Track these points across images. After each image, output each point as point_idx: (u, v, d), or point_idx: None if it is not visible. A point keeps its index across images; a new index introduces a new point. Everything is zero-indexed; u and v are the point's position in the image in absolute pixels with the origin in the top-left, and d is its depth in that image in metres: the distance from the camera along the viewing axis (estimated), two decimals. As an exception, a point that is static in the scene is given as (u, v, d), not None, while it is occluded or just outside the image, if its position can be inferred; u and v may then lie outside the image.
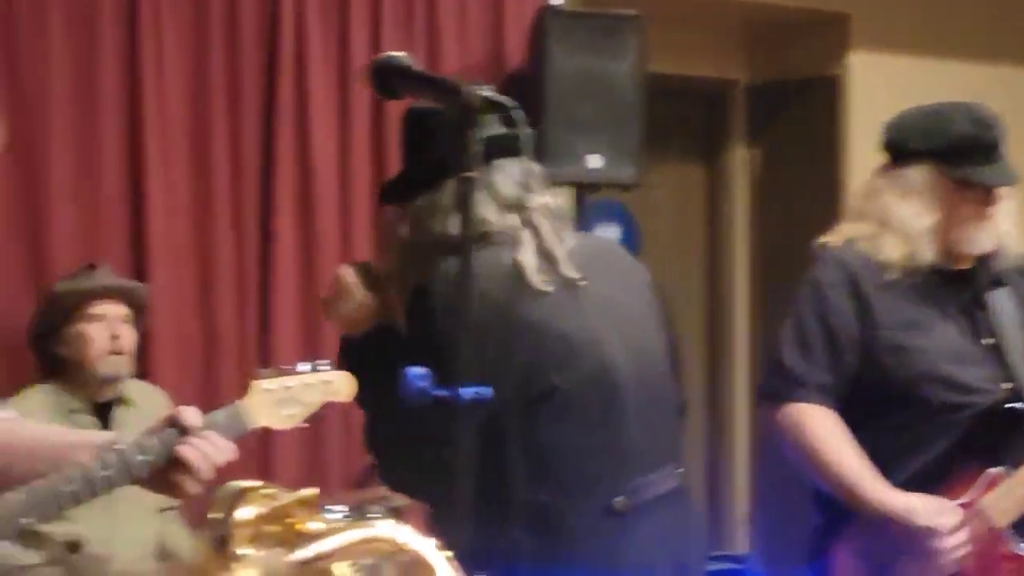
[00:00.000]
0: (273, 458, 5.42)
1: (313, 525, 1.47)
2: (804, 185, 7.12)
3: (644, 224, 6.99)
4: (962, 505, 3.73)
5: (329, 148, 5.61)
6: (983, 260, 3.90)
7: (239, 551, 1.35)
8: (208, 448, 2.67)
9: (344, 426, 5.36)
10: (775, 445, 3.90)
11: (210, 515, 1.42)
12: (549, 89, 5.65)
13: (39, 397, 4.79)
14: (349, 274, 3.42)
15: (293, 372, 2.85)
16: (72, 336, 4.83)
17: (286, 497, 1.47)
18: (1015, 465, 3.77)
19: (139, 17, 5.29)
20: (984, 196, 3.84)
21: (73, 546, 3.98)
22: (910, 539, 3.67)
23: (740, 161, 7.46)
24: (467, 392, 2.34)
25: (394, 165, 4.73)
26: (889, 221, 3.85)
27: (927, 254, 3.83)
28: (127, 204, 5.32)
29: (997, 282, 3.92)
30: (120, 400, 4.90)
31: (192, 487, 2.68)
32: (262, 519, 1.42)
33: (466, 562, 1.61)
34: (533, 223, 2.87)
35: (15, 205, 5.15)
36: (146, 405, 4.84)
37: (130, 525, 4.78)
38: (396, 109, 5.42)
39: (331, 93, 5.63)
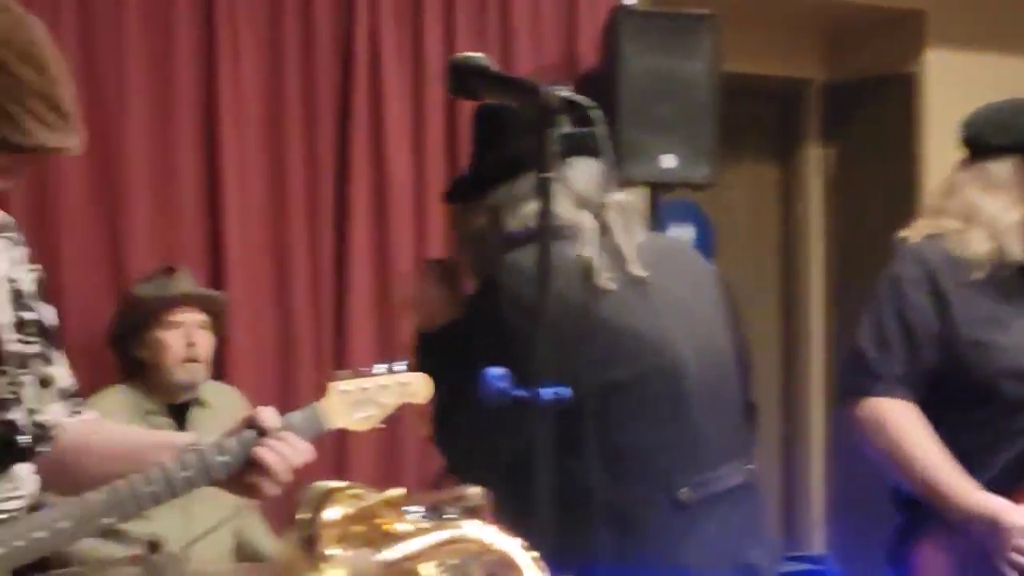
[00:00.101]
0: (349, 459, 5.44)
1: (400, 525, 1.47)
2: (879, 184, 7.08)
3: (718, 224, 6.96)
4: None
5: (403, 149, 5.62)
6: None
7: (327, 551, 1.35)
8: (285, 450, 2.68)
9: (418, 423, 5.36)
10: (852, 443, 3.87)
11: (298, 515, 1.42)
12: (623, 89, 5.64)
13: (116, 398, 4.83)
14: (426, 270, 3.44)
15: (369, 374, 2.86)
16: (150, 341, 4.87)
17: (373, 497, 1.47)
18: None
19: (215, 17, 5.32)
20: None
21: (154, 546, 4.00)
22: (995, 539, 3.63)
23: (815, 160, 7.42)
24: (547, 392, 2.33)
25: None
26: (975, 216, 3.81)
27: (1015, 249, 3.78)
28: (204, 206, 5.36)
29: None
30: (196, 402, 4.94)
31: (270, 489, 2.70)
32: (349, 519, 1.43)
33: (546, 561, 1.61)
34: (605, 220, 2.87)
35: (93, 206, 5.19)
36: (222, 407, 4.86)
37: (208, 524, 4.81)
38: (470, 109, 5.45)
39: (405, 94, 5.64)
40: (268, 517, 5.10)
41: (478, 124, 3.36)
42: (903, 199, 6.72)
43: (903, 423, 3.75)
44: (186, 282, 4.98)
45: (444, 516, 4.35)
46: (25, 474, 2.62)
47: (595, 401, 2.84)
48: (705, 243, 6.65)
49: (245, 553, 4.98)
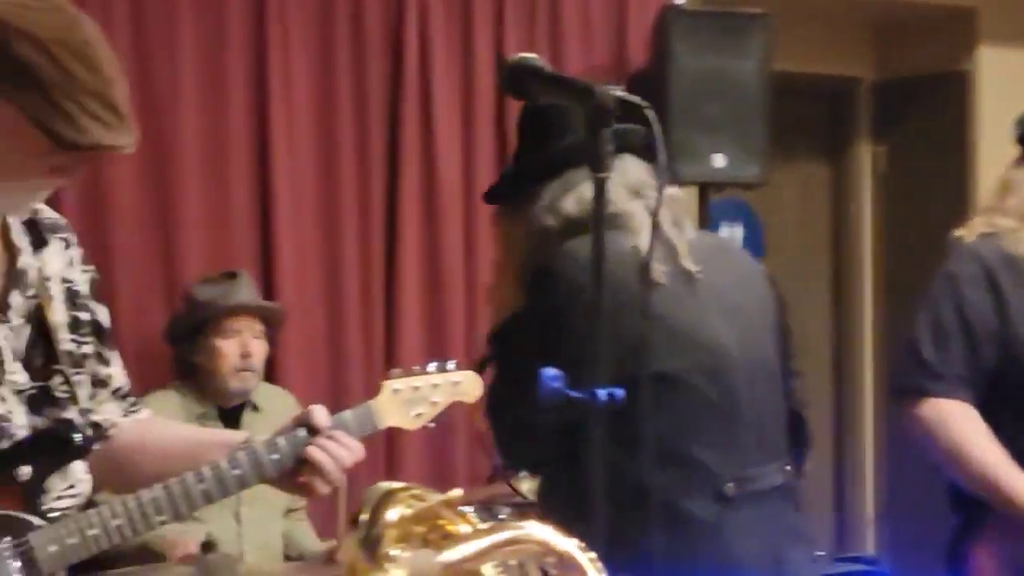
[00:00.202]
0: (400, 458, 5.45)
1: (461, 526, 1.47)
2: (931, 182, 7.05)
3: (769, 223, 6.94)
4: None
5: (453, 150, 5.63)
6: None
7: (389, 551, 1.35)
8: (337, 449, 2.69)
9: (470, 423, 5.38)
10: (905, 442, 3.85)
11: (361, 516, 1.42)
12: (673, 89, 5.63)
13: (168, 401, 4.85)
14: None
15: (422, 372, 2.87)
16: (206, 347, 4.89)
17: (433, 498, 1.46)
18: None
19: (266, 18, 5.34)
20: None
21: (207, 546, 4.02)
22: None
23: (865, 159, 7.40)
24: (602, 393, 2.33)
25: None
26: None
27: None
28: (255, 206, 5.38)
29: None
30: (249, 405, 4.95)
31: (321, 487, 2.71)
32: (410, 520, 1.42)
33: (600, 559, 1.61)
34: (656, 212, 2.87)
35: (145, 206, 5.22)
36: (274, 409, 4.87)
37: (257, 528, 4.83)
38: (518, 109, 5.45)
39: (454, 95, 5.65)
40: (314, 521, 5.12)
41: (525, 122, 3.36)
42: (955, 198, 6.69)
43: (965, 424, 3.73)
44: (247, 290, 4.99)
45: (498, 516, 4.35)
46: (80, 473, 2.64)
47: (648, 394, 2.83)
48: (755, 242, 6.63)
49: (293, 557, 5.00)
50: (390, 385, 2.83)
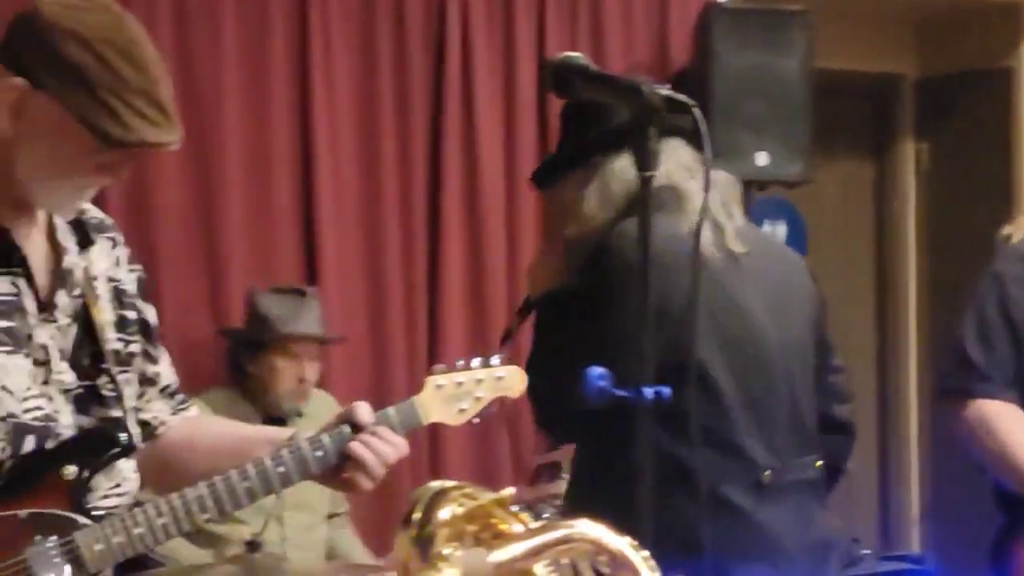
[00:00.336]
0: (443, 455, 5.45)
1: (513, 525, 1.47)
2: (974, 180, 7.01)
3: (811, 221, 6.91)
4: None
5: (495, 149, 5.63)
6: None
7: (442, 550, 1.35)
8: (380, 445, 2.69)
9: (513, 422, 5.38)
10: (951, 441, 3.83)
11: (413, 515, 1.42)
12: (715, 86, 5.62)
13: (217, 403, 4.86)
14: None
15: (465, 368, 2.86)
16: (265, 362, 4.90)
17: (485, 497, 1.46)
18: None
19: (309, 19, 5.36)
20: None
21: (253, 545, 4.03)
22: None
23: (909, 157, 7.35)
24: (648, 391, 2.32)
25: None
26: None
27: None
28: (298, 206, 5.39)
29: None
30: (295, 412, 4.96)
31: (365, 484, 2.71)
32: (462, 518, 1.42)
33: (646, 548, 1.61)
34: (706, 192, 2.87)
35: (189, 205, 5.24)
36: (319, 414, 4.86)
37: (300, 531, 4.84)
38: (560, 105, 5.45)
39: (496, 95, 5.65)
40: (357, 523, 5.14)
41: (569, 110, 3.37)
42: (999, 196, 6.65)
43: (1011, 425, 3.72)
44: (313, 316, 4.97)
45: (542, 516, 4.35)
46: (127, 471, 2.65)
47: (695, 375, 2.82)
48: (797, 241, 6.61)
49: (336, 558, 5.01)
50: (433, 381, 2.82)
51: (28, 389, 2.49)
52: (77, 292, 2.60)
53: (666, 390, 2.33)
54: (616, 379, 2.47)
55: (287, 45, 5.36)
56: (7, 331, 2.48)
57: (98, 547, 2.50)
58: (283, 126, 5.36)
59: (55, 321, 2.56)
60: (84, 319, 2.60)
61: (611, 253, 3.04)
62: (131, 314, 2.71)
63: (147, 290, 2.79)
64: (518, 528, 1.46)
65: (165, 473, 2.80)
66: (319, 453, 2.68)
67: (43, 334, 2.53)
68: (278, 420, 4.91)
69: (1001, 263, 3.83)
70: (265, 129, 5.33)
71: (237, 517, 4.47)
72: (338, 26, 5.42)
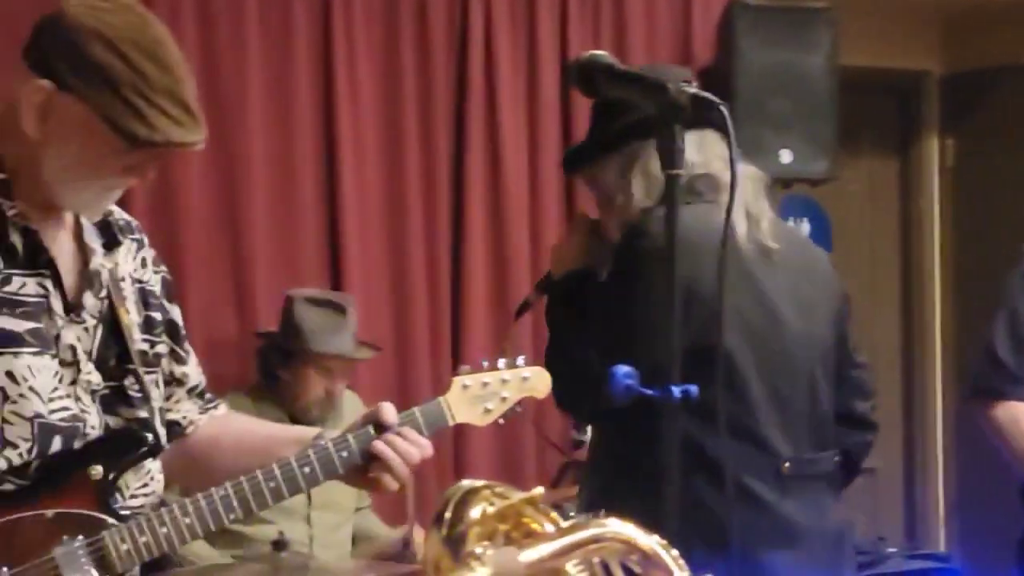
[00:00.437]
0: (467, 456, 5.45)
1: (544, 524, 1.47)
2: (1000, 176, 6.99)
3: (836, 219, 6.91)
4: None
5: (518, 149, 5.63)
6: None
7: (474, 549, 1.34)
8: (404, 445, 2.70)
9: (538, 421, 5.37)
10: (977, 440, 3.83)
11: (444, 514, 1.42)
12: (739, 84, 5.61)
13: (243, 405, 4.86)
14: (578, 219, 3.55)
15: (491, 368, 2.87)
16: (296, 371, 4.88)
17: (515, 496, 1.46)
18: None
19: (332, 20, 5.36)
20: None
21: (279, 544, 4.04)
22: None
23: (934, 153, 7.33)
24: (676, 390, 2.32)
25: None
26: None
27: None
28: (322, 206, 5.40)
29: None
30: (321, 422, 4.96)
31: (390, 483, 2.71)
32: (493, 517, 1.42)
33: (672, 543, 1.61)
34: (732, 189, 2.87)
35: (214, 205, 5.25)
36: (346, 415, 4.87)
37: (327, 531, 4.85)
38: (583, 109, 5.44)
39: (519, 94, 5.65)
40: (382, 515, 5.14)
41: (599, 102, 3.39)
42: (1024, 192, 6.63)
43: None
44: (348, 334, 4.93)
45: (568, 515, 4.35)
46: (153, 471, 2.66)
47: (719, 365, 2.82)
48: (822, 238, 6.59)
49: (362, 545, 5.02)
50: (459, 381, 2.83)
51: (55, 390, 2.50)
52: (103, 293, 2.60)
53: (694, 388, 2.32)
54: (641, 364, 2.48)
55: (310, 45, 5.37)
56: (34, 332, 2.49)
57: (125, 547, 2.51)
58: (307, 127, 5.37)
59: (82, 322, 2.56)
60: (110, 320, 2.60)
61: (646, 236, 3.05)
62: (157, 315, 2.71)
63: (173, 291, 2.79)
64: (549, 527, 1.46)
65: (191, 470, 2.81)
66: (344, 453, 2.69)
67: (70, 335, 2.54)
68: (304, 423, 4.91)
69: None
70: (289, 130, 5.34)
71: (263, 517, 4.48)
72: (361, 27, 5.43)
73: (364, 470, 2.72)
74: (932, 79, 7.26)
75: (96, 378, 2.57)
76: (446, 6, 5.55)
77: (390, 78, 5.49)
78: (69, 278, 2.57)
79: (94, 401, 2.56)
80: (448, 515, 1.41)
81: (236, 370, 5.08)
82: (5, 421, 2.45)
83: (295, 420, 4.88)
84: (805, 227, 6.69)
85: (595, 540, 1.40)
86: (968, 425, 3.89)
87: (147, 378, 2.64)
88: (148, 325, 2.69)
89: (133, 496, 2.60)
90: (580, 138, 5.46)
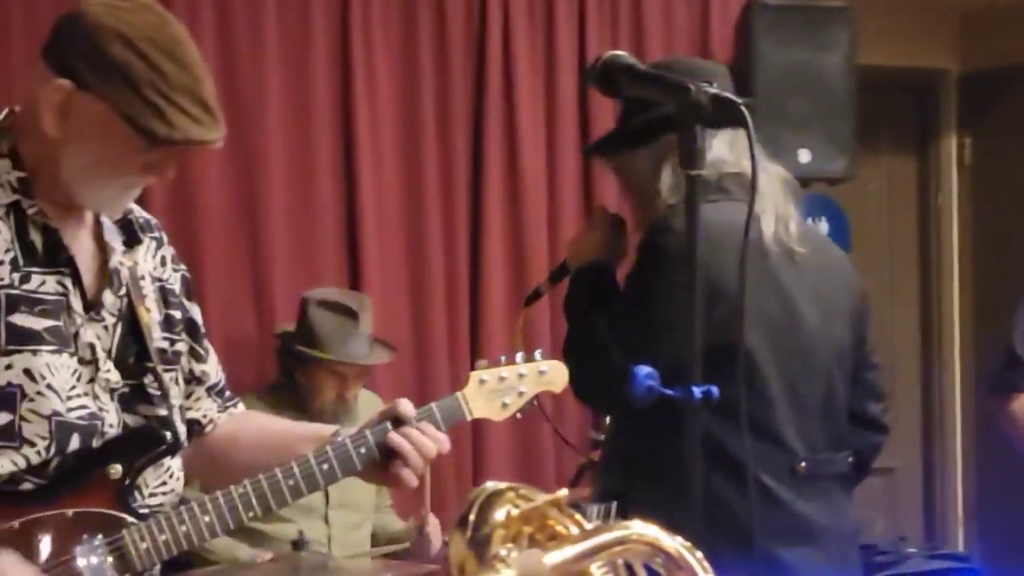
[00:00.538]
0: (486, 456, 5.44)
1: (569, 526, 1.47)
2: (1019, 174, 6.96)
3: (855, 218, 6.89)
4: None
5: (536, 148, 5.63)
6: None
7: (499, 551, 1.35)
8: (419, 438, 2.69)
9: (556, 422, 5.37)
10: (997, 439, 3.82)
11: (468, 516, 1.42)
12: (757, 84, 5.61)
13: (258, 409, 4.85)
14: (598, 212, 3.56)
15: (508, 363, 2.87)
16: (310, 373, 4.87)
17: (540, 498, 1.46)
18: None
19: (350, 20, 5.37)
20: None
21: (298, 544, 4.04)
22: None
23: (952, 152, 7.31)
24: (697, 391, 2.32)
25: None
26: None
27: None
28: (341, 204, 5.40)
29: None
30: (335, 423, 4.95)
31: (409, 478, 2.71)
32: (518, 519, 1.42)
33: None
34: (753, 190, 2.87)
35: (233, 204, 5.25)
36: (364, 413, 4.86)
37: (346, 530, 4.85)
38: (601, 108, 5.44)
39: (537, 94, 5.65)
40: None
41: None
42: (1045, 191, 6.62)
43: None
44: (361, 340, 4.91)
45: (584, 515, 4.34)
46: (173, 469, 2.66)
47: (740, 364, 2.82)
48: (841, 237, 6.58)
49: (382, 542, 5.02)
50: (476, 376, 2.83)
51: (73, 388, 2.50)
52: (123, 291, 2.61)
53: (715, 390, 2.32)
54: (661, 360, 2.48)
55: (328, 45, 5.38)
56: (53, 330, 2.49)
57: (144, 545, 2.51)
58: (325, 126, 5.37)
59: (101, 320, 2.57)
60: (130, 318, 2.61)
61: (671, 232, 3.05)
62: (177, 313, 2.72)
63: (192, 290, 2.80)
64: (574, 529, 1.46)
65: (210, 468, 2.81)
66: (362, 449, 2.69)
67: (89, 333, 2.54)
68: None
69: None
70: (307, 129, 5.35)
71: (282, 515, 4.49)
72: (379, 27, 5.43)
73: (382, 466, 2.71)
74: (950, 78, 7.24)
75: (115, 376, 2.57)
76: (464, 6, 5.55)
77: (408, 77, 5.49)
78: (88, 276, 2.57)
79: (113, 399, 2.56)
80: (472, 517, 1.40)
81: (254, 368, 5.10)
82: (23, 419, 2.45)
83: (311, 421, 4.88)
84: (824, 226, 6.68)
85: (620, 542, 1.40)
86: (987, 424, 3.88)
87: (166, 376, 2.64)
88: (168, 323, 2.69)
89: (152, 494, 2.61)
90: (598, 137, 5.49)
